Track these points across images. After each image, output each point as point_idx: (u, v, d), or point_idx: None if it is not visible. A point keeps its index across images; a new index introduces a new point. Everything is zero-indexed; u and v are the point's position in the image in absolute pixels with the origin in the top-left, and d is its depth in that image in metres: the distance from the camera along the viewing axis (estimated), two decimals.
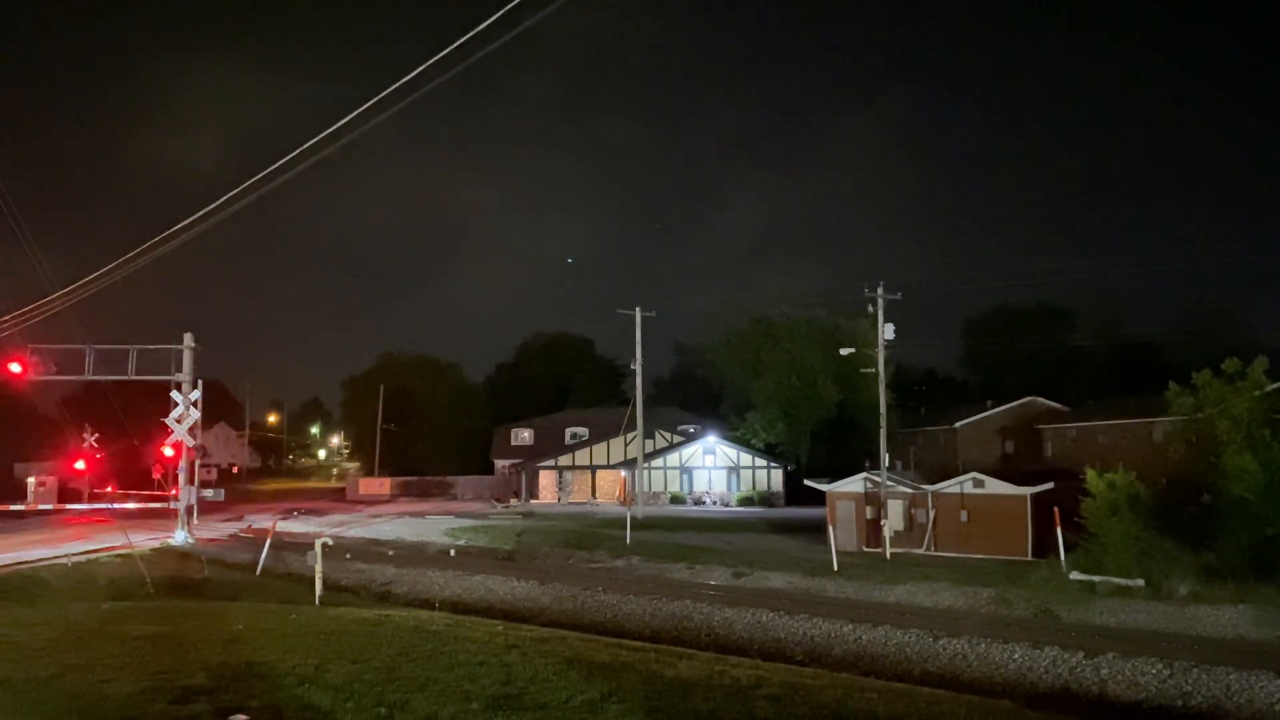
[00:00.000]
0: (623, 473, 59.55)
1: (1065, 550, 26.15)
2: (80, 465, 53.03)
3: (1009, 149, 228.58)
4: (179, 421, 34.34)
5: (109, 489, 55.66)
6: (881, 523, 33.15)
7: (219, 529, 40.87)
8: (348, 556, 30.67)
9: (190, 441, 34.99)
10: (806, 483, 41.86)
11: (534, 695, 10.25)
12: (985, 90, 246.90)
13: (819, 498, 38.61)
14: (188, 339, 35.69)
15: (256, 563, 28.80)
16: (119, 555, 28.81)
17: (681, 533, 39.48)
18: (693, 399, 75.88)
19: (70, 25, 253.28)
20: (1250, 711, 14.86)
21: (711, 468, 59.12)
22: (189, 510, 35.88)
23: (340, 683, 10.54)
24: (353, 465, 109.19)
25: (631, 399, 50.74)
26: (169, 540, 33.83)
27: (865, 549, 33.73)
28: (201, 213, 17.80)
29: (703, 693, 10.94)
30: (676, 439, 62.47)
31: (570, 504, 60.18)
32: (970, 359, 79.77)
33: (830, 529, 31.40)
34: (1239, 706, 15.00)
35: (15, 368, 31.50)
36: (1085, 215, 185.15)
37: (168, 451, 35.42)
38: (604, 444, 62.53)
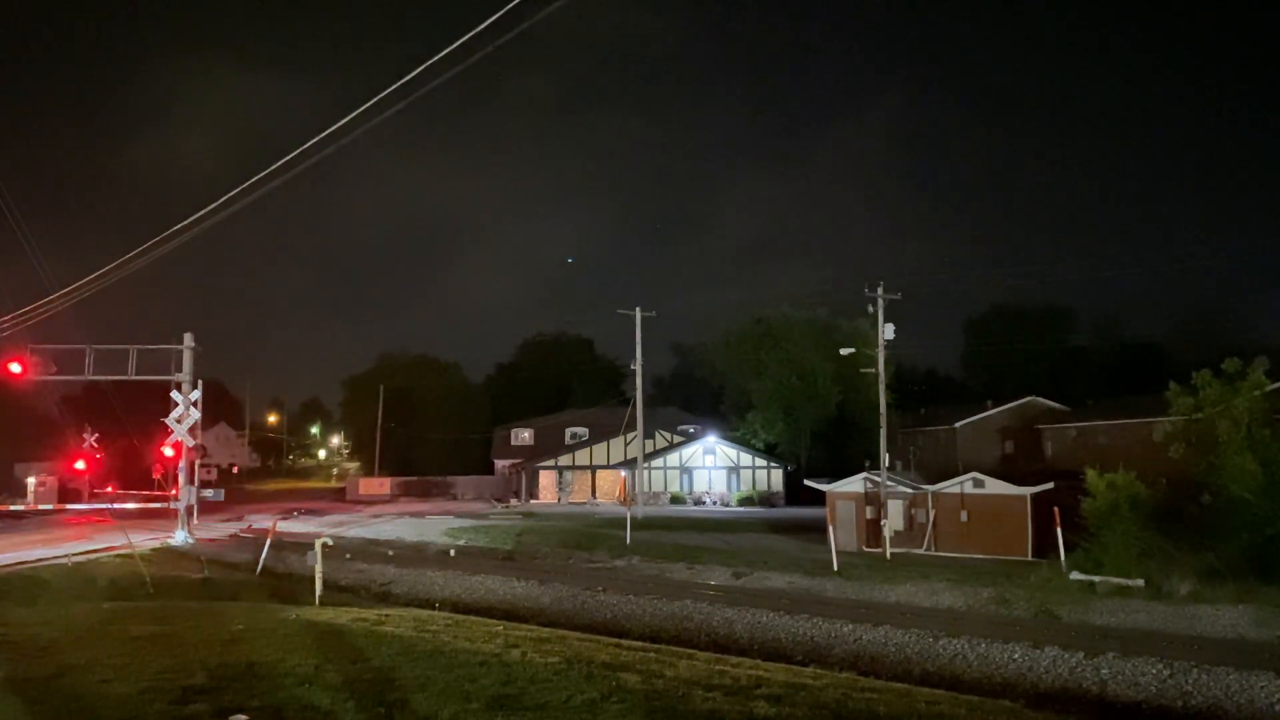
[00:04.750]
0: (623, 473, 59.54)
1: (1065, 550, 26.14)
2: (80, 465, 53.20)
3: (1009, 149, 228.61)
4: (179, 421, 34.32)
5: (109, 489, 55.79)
6: (881, 523, 33.13)
7: (219, 529, 40.83)
8: (348, 556, 30.66)
9: (190, 441, 34.96)
10: (806, 483, 41.86)
11: (534, 695, 10.24)
12: (985, 90, 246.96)
13: (819, 498, 38.61)
14: (188, 339, 35.68)
15: (256, 563, 28.79)
16: (119, 555, 28.77)
17: (681, 533, 39.46)
18: (693, 399, 75.92)
19: (70, 26, 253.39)
20: (1250, 711, 14.85)
21: (711, 468, 59.13)
22: (189, 510, 35.87)
23: (340, 683, 10.53)
24: (353, 465, 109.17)
25: (631, 399, 50.73)
26: (169, 540, 33.81)
27: (865, 549, 33.72)
28: (201, 213, 17.83)
29: (703, 693, 10.92)
30: (676, 439, 62.47)
31: (570, 504, 60.17)
32: (970, 359, 79.81)
33: (830, 529, 31.38)
34: (1239, 706, 14.99)
35: (15, 368, 31.49)
36: (1085, 215, 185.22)
37: (168, 451, 35.34)
38: (604, 444, 62.51)
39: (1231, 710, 14.98)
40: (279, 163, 15.15)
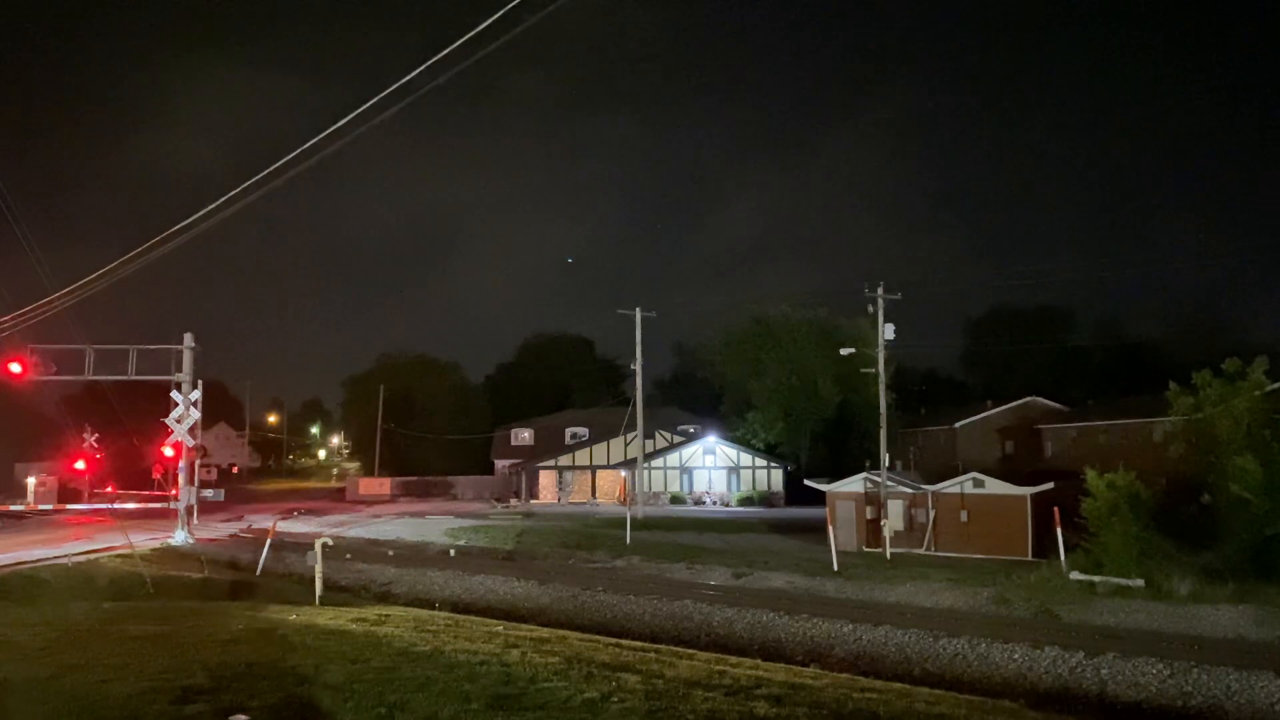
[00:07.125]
0: (623, 473, 59.54)
1: (1065, 550, 26.12)
2: (80, 465, 53.23)
3: (1009, 149, 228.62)
4: (179, 421, 34.31)
5: (109, 489, 55.82)
6: (881, 523, 33.12)
7: (219, 529, 40.84)
8: (348, 556, 30.65)
9: (190, 441, 34.96)
10: (806, 483, 41.84)
11: (534, 695, 10.24)
12: (985, 91, 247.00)
13: (819, 498, 38.59)
14: (188, 339, 35.67)
15: (256, 563, 28.79)
16: (119, 555, 28.78)
17: (681, 533, 39.47)
18: (693, 399, 75.87)
19: (70, 25, 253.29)
20: (1250, 711, 14.85)
21: (711, 468, 59.12)
22: (189, 510, 35.87)
23: (340, 683, 10.53)
24: (353, 465, 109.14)
25: (631, 399, 50.73)
26: (169, 540, 33.81)
27: (865, 549, 33.71)
28: (201, 213, 17.74)
29: (703, 693, 10.93)
30: (676, 439, 62.47)
31: (570, 504, 60.17)
32: (970, 359, 79.84)
33: (830, 529, 31.35)
34: (1239, 706, 14.99)
35: (15, 368, 31.44)
36: (1085, 216, 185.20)
37: (168, 452, 35.29)
38: (604, 444, 62.52)
39: (1232, 710, 14.98)
40: (280, 162, 15.10)
